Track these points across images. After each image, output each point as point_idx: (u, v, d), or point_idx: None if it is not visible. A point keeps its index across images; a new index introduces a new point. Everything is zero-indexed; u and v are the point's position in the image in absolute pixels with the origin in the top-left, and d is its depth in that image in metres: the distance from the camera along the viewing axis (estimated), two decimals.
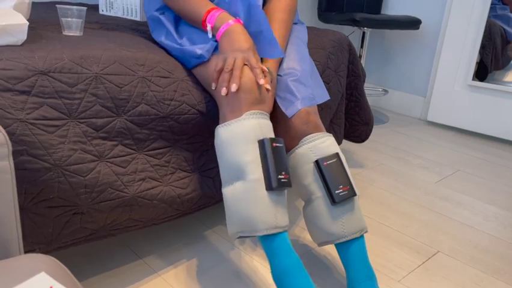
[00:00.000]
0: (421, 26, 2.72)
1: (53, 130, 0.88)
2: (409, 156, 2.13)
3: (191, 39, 1.15)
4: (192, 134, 1.14)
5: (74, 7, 1.09)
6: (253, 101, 1.02)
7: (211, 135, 1.18)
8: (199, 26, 1.13)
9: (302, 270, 0.95)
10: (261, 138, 0.98)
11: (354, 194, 1.06)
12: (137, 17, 1.54)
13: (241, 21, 1.11)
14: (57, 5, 1.10)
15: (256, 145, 0.97)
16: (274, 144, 0.98)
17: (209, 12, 1.08)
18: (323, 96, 1.23)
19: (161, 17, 1.22)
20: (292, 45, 1.21)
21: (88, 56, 0.96)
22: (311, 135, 1.09)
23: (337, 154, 1.07)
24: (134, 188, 1.03)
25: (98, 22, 1.43)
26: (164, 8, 1.25)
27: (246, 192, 0.95)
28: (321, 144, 1.08)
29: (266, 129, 1.01)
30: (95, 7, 1.84)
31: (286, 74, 1.15)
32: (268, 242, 0.97)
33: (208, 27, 1.08)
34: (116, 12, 1.60)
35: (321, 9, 2.77)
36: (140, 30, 1.38)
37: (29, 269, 0.46)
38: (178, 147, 1.13)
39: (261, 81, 1.02)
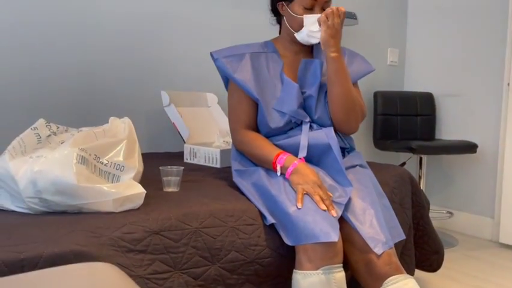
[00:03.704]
0: (478, 149, 2.75)
1: (162, 283, 1.02)
2: (486, 284, 2.05)
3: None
4: (275, 276, 1.24)
5: (174, 168, 1.30)
6: (330, 255, 1.14)
7: (290, 275, 1.26)
8: (268, 165, 1.35)
9: None
10: None
11: None
12: (217, 164, 1.76)
13: (304, 160, 1.35)
14: (160, 167, 1.32)
15: None
16: None
17: (278, 155, 1.33)
18: (400, 234, 1.30)
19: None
20: (365, 188, 1.33)
21: (189, 213, 1.13)
22: (394, 277, 1.16)
23: None
24: None
25: (186, 172, 1.64)
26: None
27: None
28: (404, 286, 1.14)
29: (340, 284, 1.13)
30: (180, 154, 2.08)
31: (364, 213, 1.25)
32: None
33: (278, 167, 1.32)
34: (199, 160, 1.84)
35: (376, 138, 2.92)
36: (222, 177, 1.57)
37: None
38: None
39: (333, 213, 1.19)
